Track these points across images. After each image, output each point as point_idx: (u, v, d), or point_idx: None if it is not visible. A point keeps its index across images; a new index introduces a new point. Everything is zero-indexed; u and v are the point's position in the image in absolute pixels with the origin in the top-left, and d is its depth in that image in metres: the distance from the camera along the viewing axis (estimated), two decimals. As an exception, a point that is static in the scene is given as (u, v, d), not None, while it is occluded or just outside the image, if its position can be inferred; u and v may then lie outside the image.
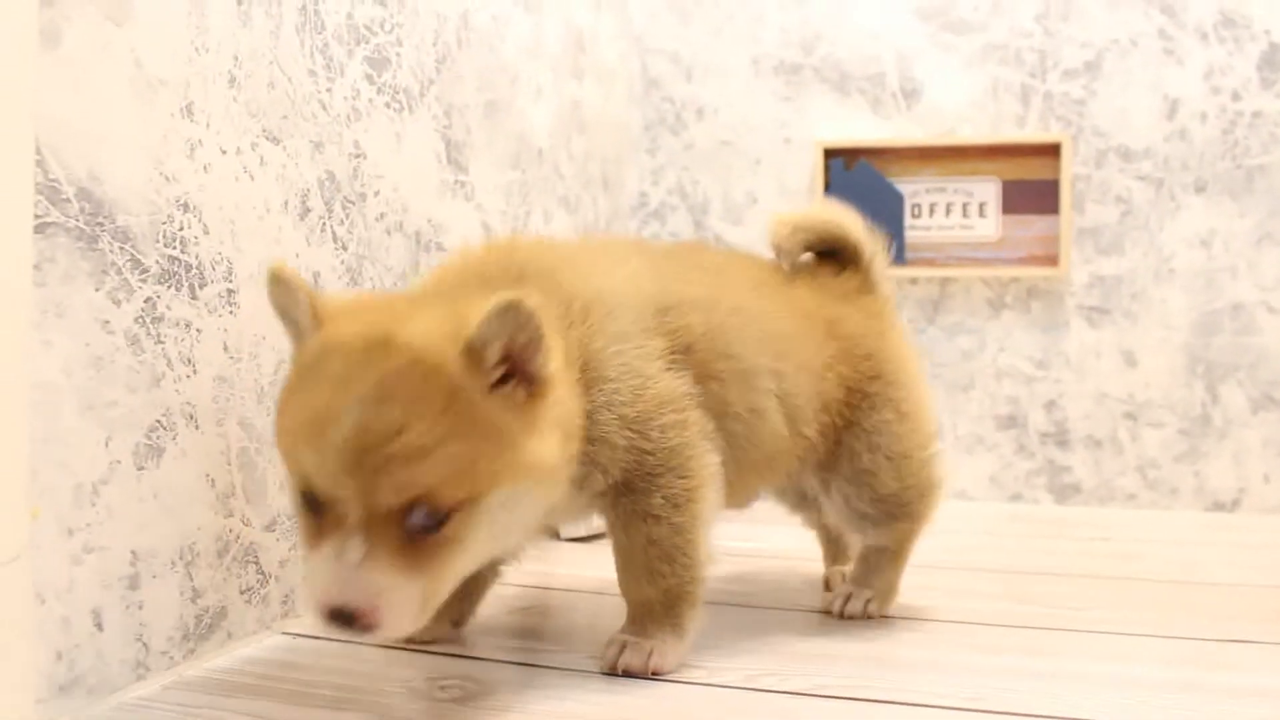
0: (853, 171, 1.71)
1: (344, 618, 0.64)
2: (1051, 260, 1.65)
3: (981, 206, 1.68)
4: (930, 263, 1.69)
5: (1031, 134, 1.68)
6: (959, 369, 1.71)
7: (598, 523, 0.93)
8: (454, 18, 1.25)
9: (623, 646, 0.83)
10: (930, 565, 1.19)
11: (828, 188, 1.72)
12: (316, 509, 0.66)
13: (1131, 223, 1.66)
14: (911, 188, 1.70)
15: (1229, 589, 1.14)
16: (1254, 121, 1.63)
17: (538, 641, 0.93)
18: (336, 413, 0.64)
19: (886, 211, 1.68)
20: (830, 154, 1.72)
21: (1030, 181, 1.67)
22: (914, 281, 1.72)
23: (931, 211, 1.70)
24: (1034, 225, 1.67)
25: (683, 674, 0.83)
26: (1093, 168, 1.67)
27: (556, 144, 1.54)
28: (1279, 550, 1.36)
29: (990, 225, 1.68)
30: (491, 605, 1.02)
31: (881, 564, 1.03)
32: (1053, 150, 1.66)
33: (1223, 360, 1.64)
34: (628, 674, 0.82)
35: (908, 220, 1.70)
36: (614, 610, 0.89)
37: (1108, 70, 1.67)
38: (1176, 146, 1.65)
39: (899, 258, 1.69)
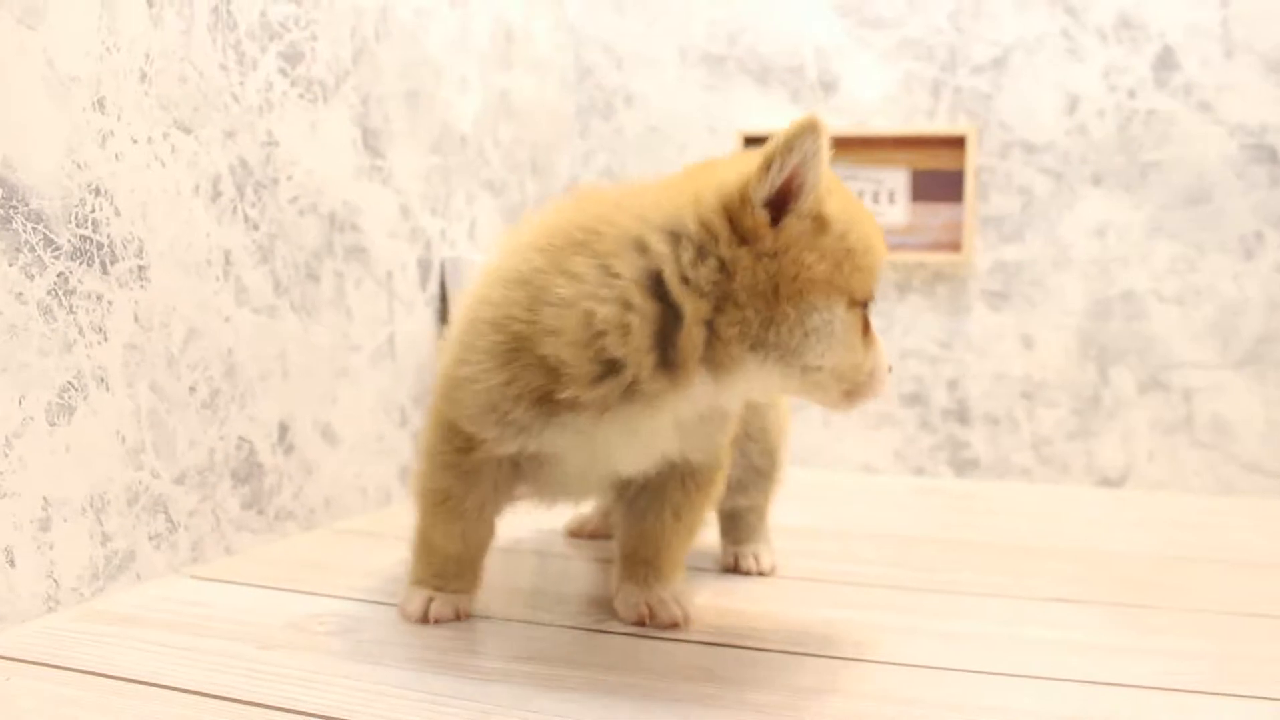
0: (771, 159, 1.80)
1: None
2: (956, 247, 1.75)
3: (891, 194, 1.77)
4: (842, 247, 1.78)
5: (939, 126, 1.77)
6: (868, 348, 1.80)
7: None
8: (372, 12, 1.34)
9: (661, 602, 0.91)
10: (826, 532, 1.29)
11: (747, 174, 1.81)
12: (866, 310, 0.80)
13: (1033, 212, 1.75)
14: (826, 176, 1.79)
15: (1085, 555, 1.24)
16: (1149, 119, 1.72)
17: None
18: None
19: (802, 198, 1.77)
20: (750, 142, 1.81)
21: (938, 171, 1.76)
22: (827, 265, 1.81)
23: (845, 198, 1.79)
24: (941, 213, 1.76)
25: (576, 620, 0.94)
26: (998, 159, 1.76)
27: (482, 131, 1.63)
28: (1150, 522, 1.46)
29: (899, 212, 1.77)
30: (388, 555, 1.12)
31: (757, 522, 1.14)
32: (959, 142, 1.75)
33: (1114, 345, 1.74)
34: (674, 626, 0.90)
35: (822, 206, 1.79)
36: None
37: (1014, 67, 1.76)
38: (1076, 141, 1.74)
39: (813, 242, 1.78)
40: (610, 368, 0.76)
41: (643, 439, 0.83)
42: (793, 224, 0.74)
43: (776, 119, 1.83)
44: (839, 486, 1.69)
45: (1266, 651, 0.89)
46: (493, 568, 0.98)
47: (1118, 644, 0.90)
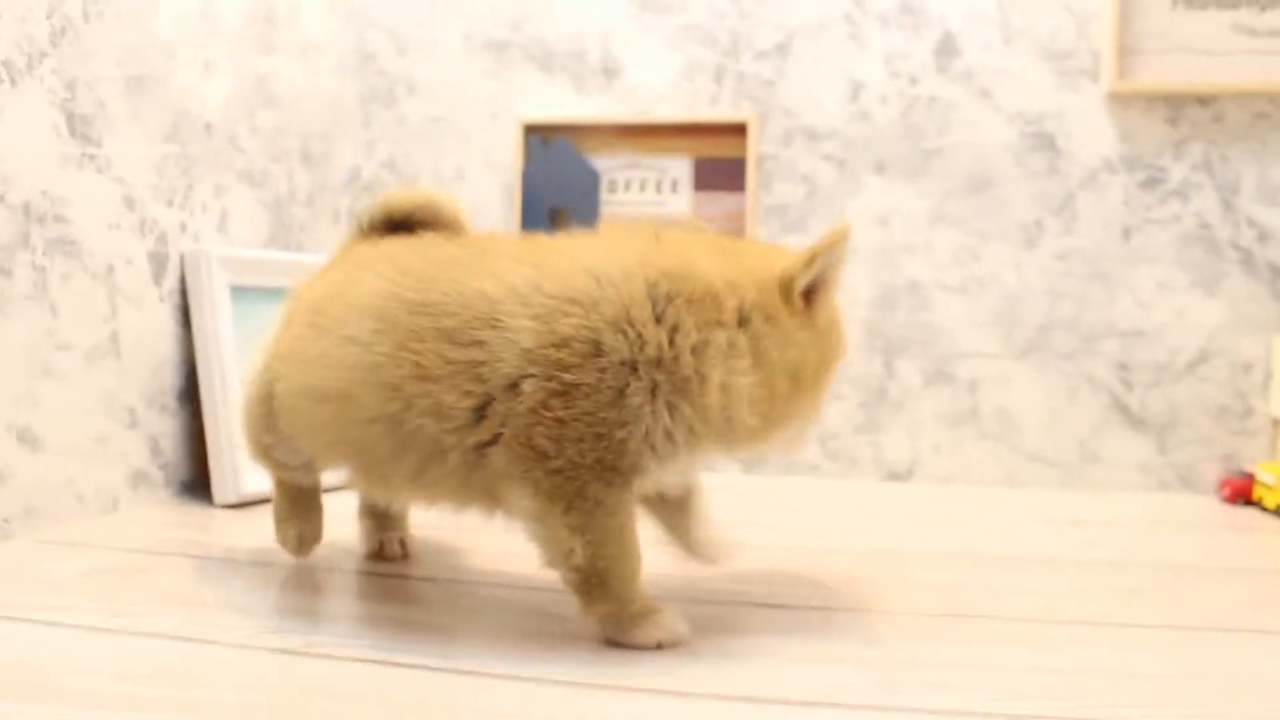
0: (550, 148, 1.75)
1: None
2: (738, 236, 1.71)
3: (674, 183, 1.73)
4: (626, 238, 1.74)
5: (721, 113, 1.73)
6: (654, 341, 1.76)
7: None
8: (77, -9, 1.27)
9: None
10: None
11: (527, 164, 1.76)
12: None
13: (816, 201, 1.72)
14: (608, 164, 1.75)
15: (830, 552, 1.21)
16: (930, 106, 1.70)
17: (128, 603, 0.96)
18: None
19: (583, 187, 1.73)
20: (531, 130, 1.76)
21: (720, 159, 1.72)
22: (612, 256, 1.77)
23: (627, 187, 1.74)
24: (723, 202, 1.72)
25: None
26: (781, 147, 1.73)
27: (235, 117, 1.56)
28: (946, 518, 1.43)
29: (682, 201, 1.73)
30: (79, 563, 1.05)
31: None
32: (740, 130, 1.71)
33: (899, 336, 1.71)
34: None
35: (604, 196, 1.75)
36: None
37: (797, 53, 1.72)
38: (859, 128, 1.71)
39: (596, 233, 1.74)
40: None
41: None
42: (818, 315, 0.88)
43: (560, 107, 1.78)
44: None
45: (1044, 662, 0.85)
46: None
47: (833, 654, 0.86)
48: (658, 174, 1.74)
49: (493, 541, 1.21)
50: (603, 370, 0.79)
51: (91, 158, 1.30)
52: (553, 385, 0.79)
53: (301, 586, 1.02)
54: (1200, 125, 1.66)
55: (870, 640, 0.88)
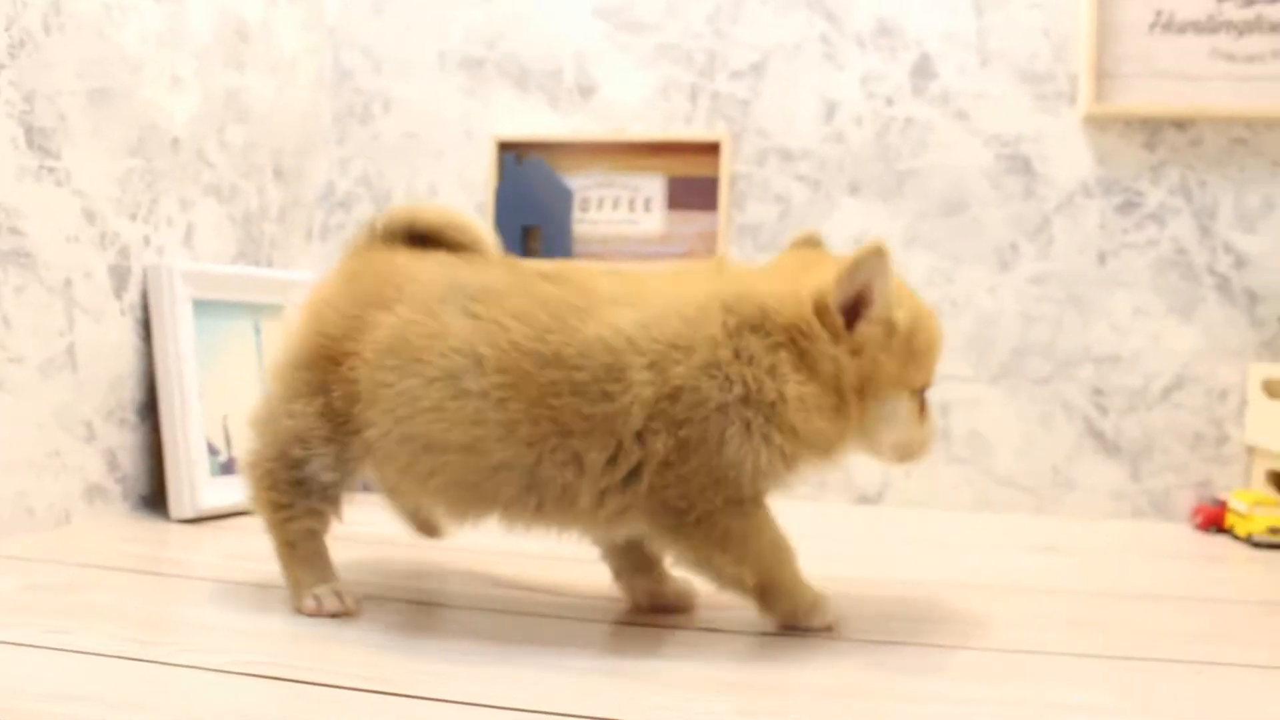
0: (524, 166, 1.74)
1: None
2: (710, 256, 1.70)
3: (647, 202, 1.72)
4: (597, 256, 1.73)
5: (694, 132, 1.72)
6: (625, 361, 1.75)
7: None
8: (39, 4, 1.26)
9: None
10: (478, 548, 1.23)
11: (500, 182, 1.75)
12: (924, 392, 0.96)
13: (790, 221, 1.71)
14: (581, 183, 1.74)
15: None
16: (905, 127, 1.69)
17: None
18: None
19: (556, 205, 1.72)
20: (505, 148, 1.75)
21: (694, 179, 1.71)
22: (584, 275, 1.76)
23: (600, 206, 1.73)
24: (697, 221, 1.71)
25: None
26: (754, 166, 1.72)
27: (203, 132, 1.55)
28: (919, 540, 1.41)
29: (655, 221, 1.72)
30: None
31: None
32: (714, 149, 1.70)
33: (872, 357, 1.69)
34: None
35: (576, 214, 1.74)
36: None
37: (772, 73, 1.72)
38: (833, 149, 1.70)
39: (568, 252, 1.72)
40: None
41: None
42: (864, 329, 0.89)
43: (534, 125, 1.77)
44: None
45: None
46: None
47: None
48: (631, 192, 1.73)
49: (445, 556, 1.20)
50: (705, 420, 0.85)
51: (50, 170, 1.29)
52: (671, 440, 0.85)
53: (256, 605, 1.00)
54: (1178, 149, 1.64)
55: (815, 666, 0.86)
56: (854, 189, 1.70)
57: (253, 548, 1.21)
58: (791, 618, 0.94)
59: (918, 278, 1.68)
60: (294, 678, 0.79)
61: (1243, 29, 1.63)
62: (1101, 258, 1.65)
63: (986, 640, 0.96)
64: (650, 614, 1.01)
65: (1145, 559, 1.36)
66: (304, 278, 1.62)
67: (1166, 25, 1.64)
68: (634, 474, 0.86)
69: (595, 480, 0.86)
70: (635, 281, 0.92)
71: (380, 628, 0.93)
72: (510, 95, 1.79)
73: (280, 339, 1.00)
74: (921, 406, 0.96)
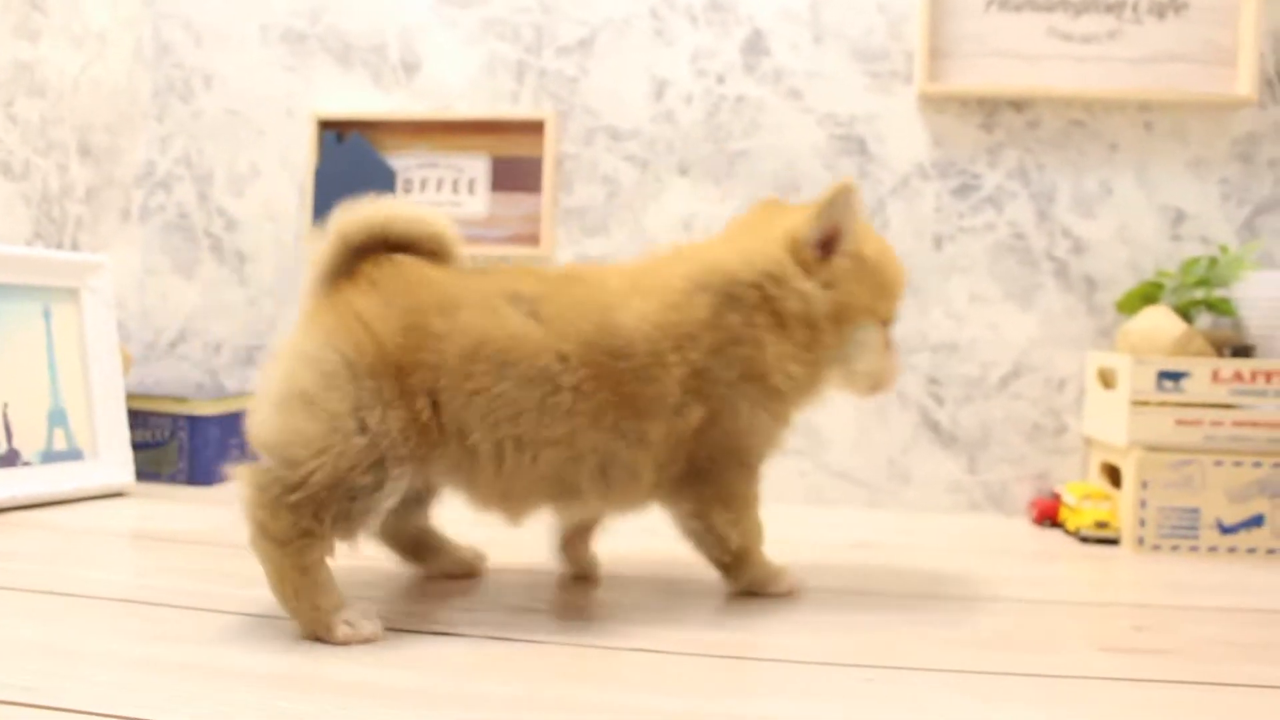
0: (345, 145, 1.67)
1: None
2: (535, 240, 1.64)
3: (471, 183, 1.66)
4: (421, 240, 1.66)
5: (519, 111, 1.66)
6: (449, 348, 1.68)
7: None
8: None
9: None
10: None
11: (320, 161, 1.68)
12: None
13: (617, 203, 1.65)
14: (404, 163, 1.67)
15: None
16: (737, 106, 1.63)
17: None
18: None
19: (378, 186, 1.65)
20: (326, 126, 1.68)
21: (519, 159, 1.65)
22: (407, 258, 1.69)
23: (423, 187, 1.67)
24: (521, 204, 1.65)
25: None
26: (582, 146, 1.65)
27: (-14, 105, 1.48)
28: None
29: (479, 203, 1.66)
30: None
31: None
32: (539, 128, 1.64)
33: (703, 344, 1.63)
34: None
35: (400, 196, 1.67)
36: None
37: (601, 49, 1.65)
38: (663, 128, 1.64)
39: (390, 234, 1.66)
40: None
41: None
42: (838, 262, 0.99)
43: (357, 102, 1.70)
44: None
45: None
46: None
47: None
48: (455, 173, 1.66)
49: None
50: (721, 395, 0.95)
51: None
52: (701, 410, 0.95)
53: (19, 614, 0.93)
54: (1015, 131, 1.59)
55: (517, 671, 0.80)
56: (684, 170, 1.64)
57: (20, 547, 1.15)
58: (758, 585, 1.05)
59: (748, 262, 1.61)
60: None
61: (1080, 8, 1.58)
62: (938, 242, 1.60)
63: (733, 647, 0.90)
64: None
65: (964, 555, 1.30)
66: (103, 261, 1.54)
67: (1003, 3, 1.58)
68: (680, 443, 0.95)
69: (656, 454, 0.94)
70: (628, 275, 0.98)
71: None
72: (333, 71, 1.72)
73: (304, 357, 0.89)
74: (886, 339, 1.04)
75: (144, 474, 1.57)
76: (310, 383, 0.87)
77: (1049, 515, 1.52)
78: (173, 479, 1.57)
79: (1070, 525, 1.45)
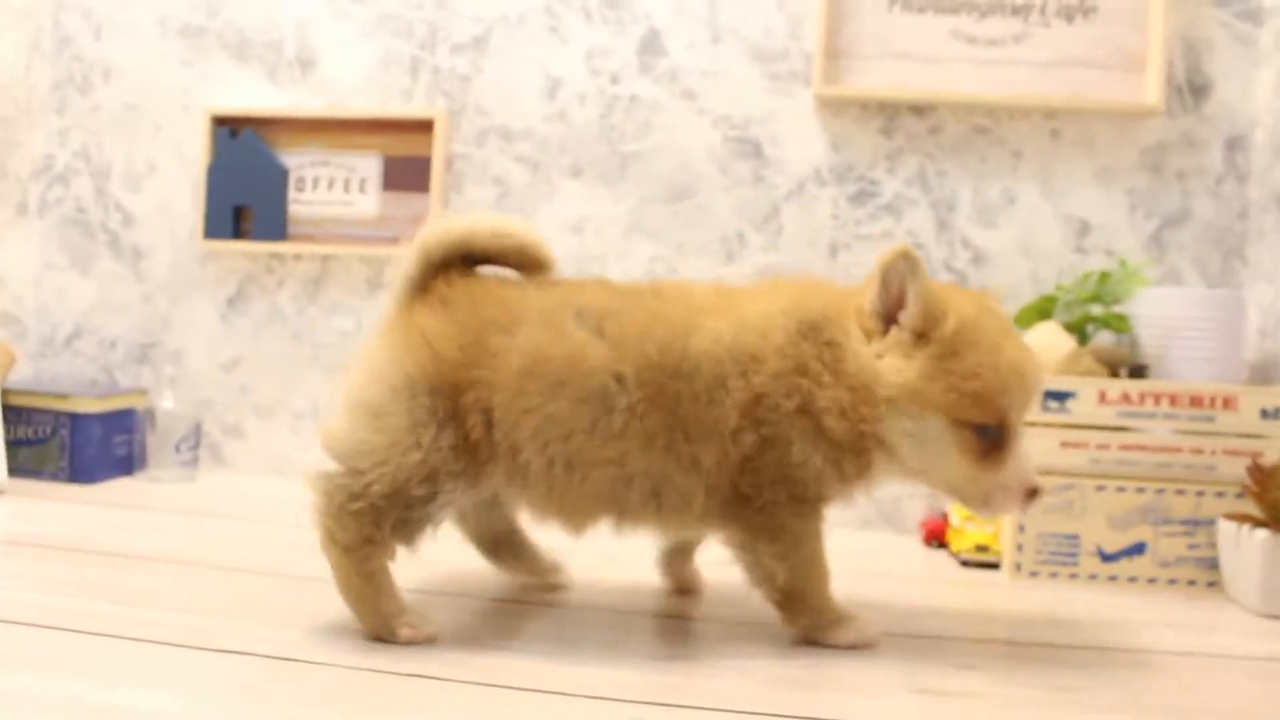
0: (238, 142, 1.65)
1: (1037, 494, 0.93)
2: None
3: (363, 182, 1.63)
4: (312, 239, 1.64)
5: (411, 109, 1.62)
6: (338, 350, 1.66)
7: None
8: None
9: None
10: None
11: (214, 158, 1.66)
12: (993, 435, 0.91)
13: (508, 205, 1.61)
14: (297, 160, 1.64)
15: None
16: (631, 106, 1.58)
17: None
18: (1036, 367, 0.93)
19: (269, 184, 1.63)
20: (219, 122, 1.66)
21: (410, 158, 1.62)
22: (297, 258, 1.66)
23: (315, 186, 1.64)
24: (412, 204, 1.62)
25: None
26: (474, 146, 1.62)
27: None
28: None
29: (371, 202, 1.63)
30: None
31: None
32: (428, 127, 1.60)
33: (593, 351, 1.60)
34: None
35: (291, 194, 1.64)
36: None
37: (495, 46, 1.61)
38: (556, 128, 1.60)
39: (281, 233, 1.63)
40: None
41: None
42: (894, 333, 0.92)
43: (252, 98, 1.68)
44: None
45: None
46: None
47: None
48: (347, 172, 1.63)
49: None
50: (778, 423, 0.92)
51: None
52: (755, 437, 0.92)
53: None
54: (916, 137, 1.53)
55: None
56: (576, 171, 1.60)
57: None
58: (813, 630, 0.98)
59: (639, 268, 1.58)
60: None
61: (985, 10, 1.52)
62: (833, 250, 1.55)
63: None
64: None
65: (841, 578, 1.25)
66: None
67: (906, 4, 1.53)
68: (732, 470, 0.93)
69: (707, 479, 0.93)
70: (722, 294, 0.97)
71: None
72: (229, 66, 1.69)
73: (374, 370, 0.93)
74: (987, 448, 0.91)
75: (25, 471, 1.56)
76: (376, 396, 0.92)
77: (936, 536, 1.47)
78: (54, 477, 1.56)
79: (954, 547, 1.40)
